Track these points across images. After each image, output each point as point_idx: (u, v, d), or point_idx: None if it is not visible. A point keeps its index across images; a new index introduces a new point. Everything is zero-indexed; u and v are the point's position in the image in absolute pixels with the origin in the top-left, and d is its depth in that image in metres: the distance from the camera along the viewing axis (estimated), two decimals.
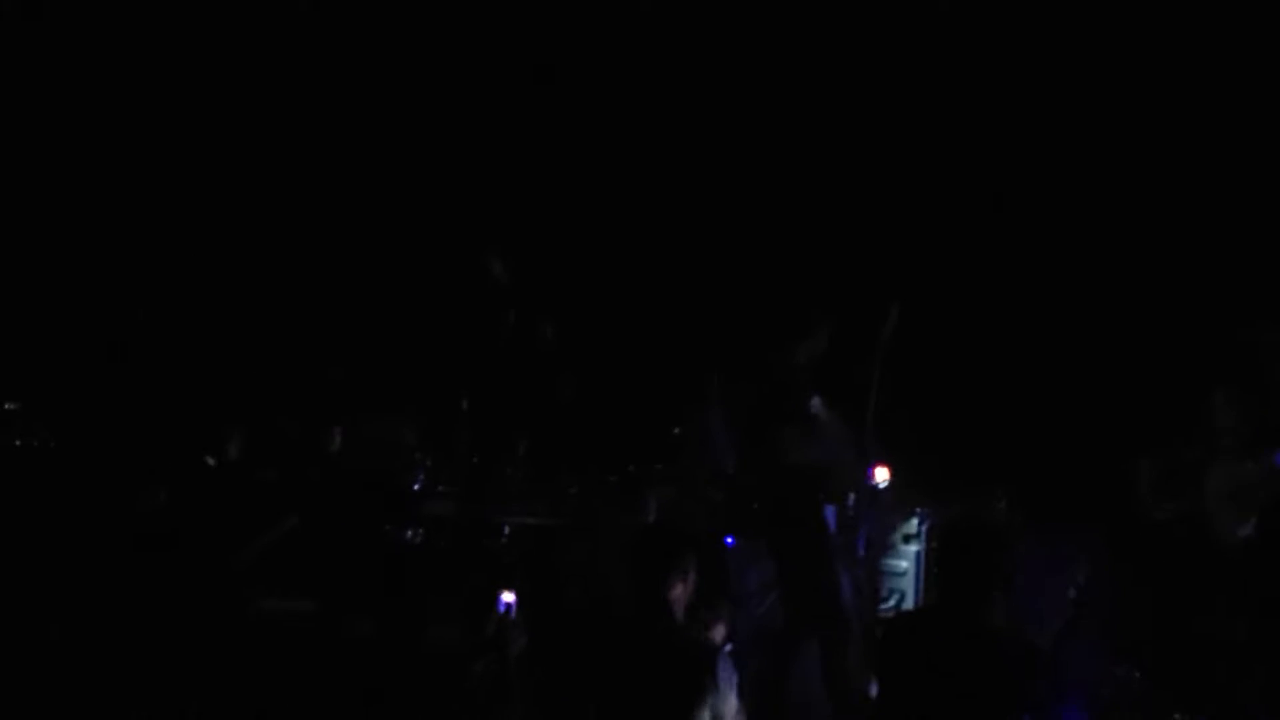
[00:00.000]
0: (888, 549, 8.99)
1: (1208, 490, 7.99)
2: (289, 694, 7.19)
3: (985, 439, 9.53)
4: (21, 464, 8.83)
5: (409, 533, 8.43)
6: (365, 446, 8.73)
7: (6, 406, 9.14)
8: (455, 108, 10.29)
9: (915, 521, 9.09)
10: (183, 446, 8.50)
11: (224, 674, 7.28)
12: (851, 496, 8.31)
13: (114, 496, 8.14)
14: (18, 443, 8.97)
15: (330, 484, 8.43)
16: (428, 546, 8.42)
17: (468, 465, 9.09)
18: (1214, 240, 9.23)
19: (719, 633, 7.15)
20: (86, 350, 9.58)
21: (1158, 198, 9.43)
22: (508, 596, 7.26)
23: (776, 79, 10.20)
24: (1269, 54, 9.16)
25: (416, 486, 8.89)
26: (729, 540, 8.96)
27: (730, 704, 5.92)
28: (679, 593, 5.96)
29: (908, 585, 9.04)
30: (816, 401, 8.14)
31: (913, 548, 9.10)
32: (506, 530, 8.75)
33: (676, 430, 9.32)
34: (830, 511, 8.21)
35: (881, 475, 8.60)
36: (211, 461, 8.18)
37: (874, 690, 6.34)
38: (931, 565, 8.88)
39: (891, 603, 8.99)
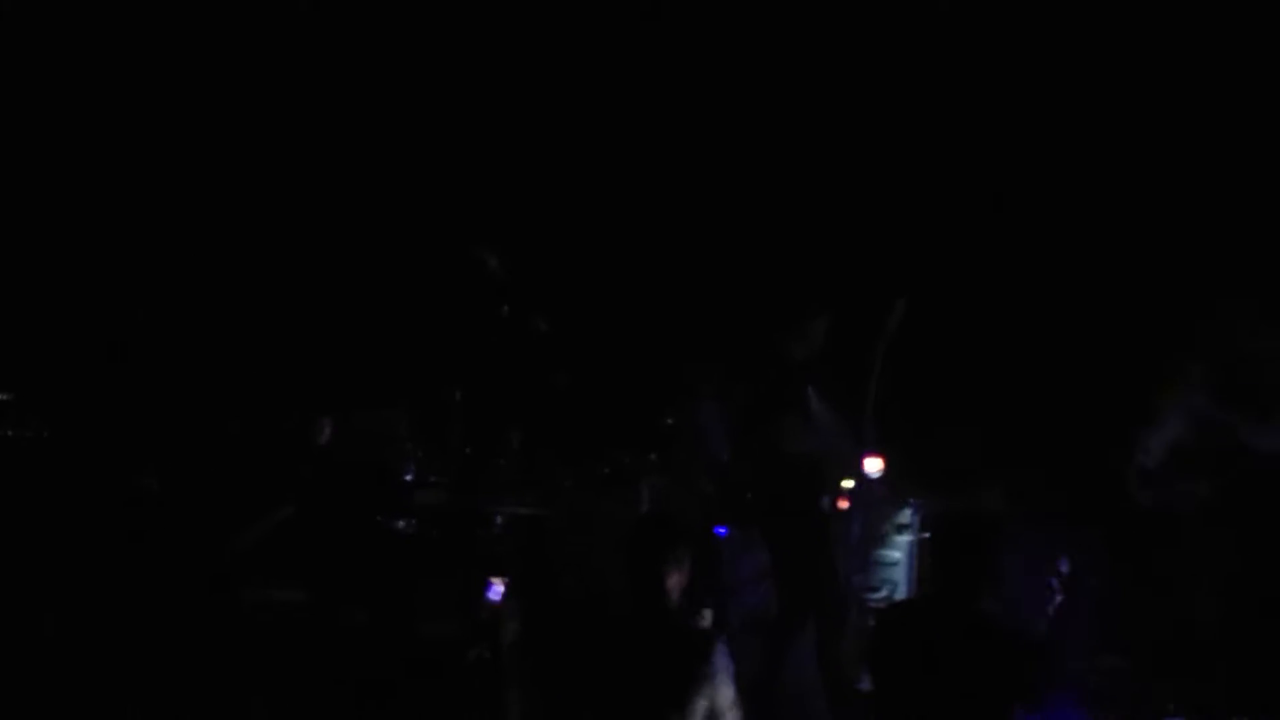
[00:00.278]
0: (881, 539, 9.01)
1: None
2: (282, 684, 7.20)
3: (980, 430, 9.56)
4: (14, 455, 8.81)
5: (401, 523, 8.44)
6: (358, 438, 8.73)
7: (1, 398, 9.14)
8: (449, 100, 10.28)
9: (908, 512, 9.11)
10: (175, 436, 8.51)
11: (217, 664, 7.29)
12: (847, 486, 8.33)
13: (107, 487, 8.14)
14: (10, 433, 8.96)
15: (323, 475, 8.43)
16: (420, 537, 8.43)
17: (460, 456, 9.10)
18: (1211, 235, 9.25)
19: (705, 621, 7.18)
20: (79, 340, 9.56)
21: (1155, 188, 9.44)
22: (499, 585, 7.29)
23: (774, 69, 10.20)
24: (1256, 51, 9.20)
25: (409, 477, 8.90)
26: (722, 530, 8.98)
27: (727, 694, 5.94)
28: (675, 582, 5.98)
29: (900, 576, 9.06)
30: (813, 392, 8.17)
31: (905, 538, 9.12)
32: (499, 521, 8.76)
33: (670, 420, 9.34)
34: (825, 501, 8.24)
35: (874, 465, 8.62)
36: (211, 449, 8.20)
37: (867, 680, 6.37)
38: (924, 556, 8.90)
39: (884, 593, 9.01)
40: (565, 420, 9.42)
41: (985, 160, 9.90)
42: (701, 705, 5.80)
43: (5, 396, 9.16)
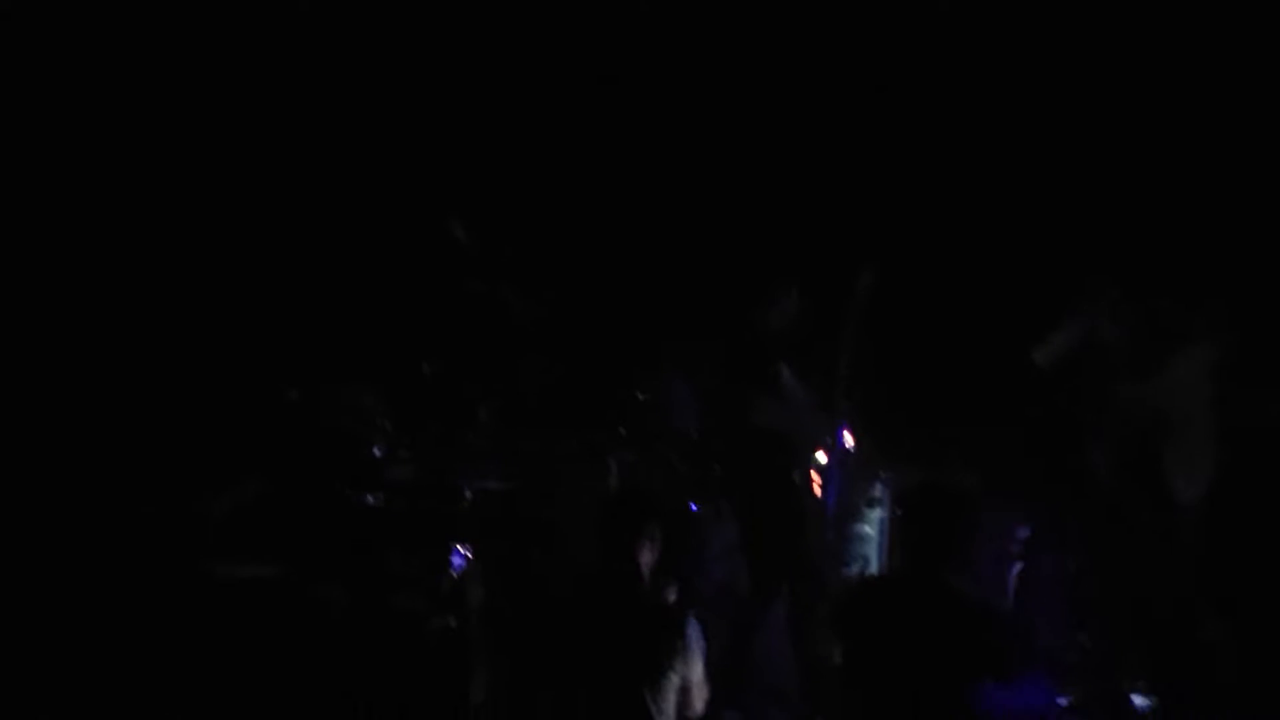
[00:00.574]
0: (853, 514, 9.02)
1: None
2: (252, 659, 7.18)
3: (951, 406, 9.58)
4: None
5: (370, 497, 8.42)
6: (326, 411, 8.70)
7: None
8: (417, 71, 10.23)
9: (879, 487, 9.12)
10: (143, 410, 8.47)
11: (186, 641, 7.27)
12: (819, 460, 8.33)
13: (74, 464, 8.11)
14: None
15: (291, 449, 8.41)
16: (390, 511, 8.41)
17: (430, 430, 9.08)
18: (1184, 209, 9.30)
19: (674, 596, 7.18)
20: (42, 308, 9.48)
21: (1122, 167, 9.47)
22: (464, 553, 7.29)
23: (739, 40, 10.18)
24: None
25: (378, 451, 8.87)
26: (691, 504, 8.99)
27: (697, 670, 5.97)
28: (647, 558, 6.00)
29: (872, 551, 9.08)
30: (784, 365, 8.16)
31: (876, 513, 9.14)
32: (468, 494, 8.75)
33: (640, 394, 9.33)
34: (796, 475, 8.24)
35: (846, 439, 8.62)
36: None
37: (838, 655, 6.39)
38: (895, 531, 8.91)
39: (856, 568, 9.03)
40: (534, 393, 9.40)
41: (957, 130, 9.91)
42: (673, 680, 5.82)
43: None
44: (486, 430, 9.15)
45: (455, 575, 7.81)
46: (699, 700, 6.05)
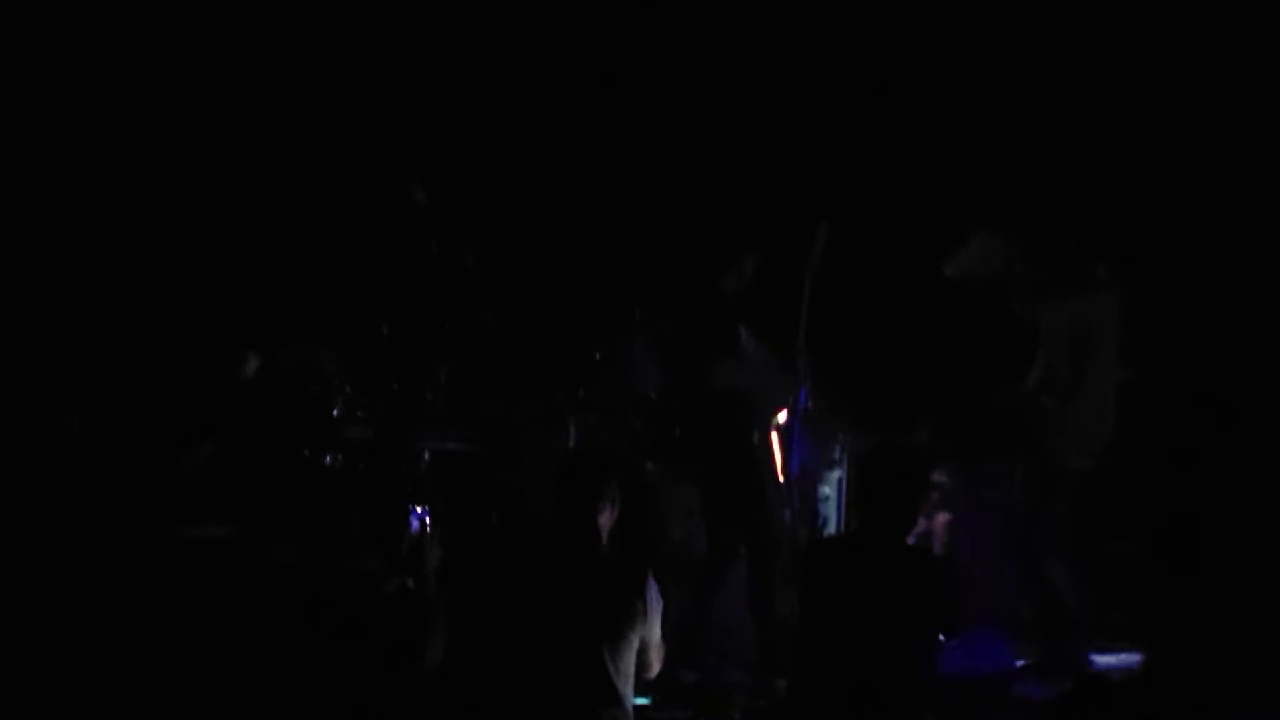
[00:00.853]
0: (814, 475, 9.03)
1: None
2: (208, 621, 7.15)
3: (910, 367, 9.60)
4: None
5: (328, 458, 8.40)
6: (284, 372, 8.66)
7: None
8: (377, 35, 10.18)
9: (838, 448, 9.13)
10: (97, 371, 8.42)
11: (141, 603, 7.23)
12: (779, 420, 8.32)
13: (29, 424, 8.05)
14: None
15: (249, 410, 8.37)
16: (347, 472, 8.39)
17: (388, 391, 9.06)
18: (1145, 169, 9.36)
19: (628, 557, 7.18)
20: None
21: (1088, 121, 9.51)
22: (420, 513, 7.28)
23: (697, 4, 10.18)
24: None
25: (336, 412, 8.84)
26: (650, 466, 8.99)
27: (655, 631, 5.97)
28: (606, 518, 5.99)
29: (831, 510, 9.10)
30: (742, 326, 8.15)
31: (835, 473, 9.15)
32: (426, 456, 8.73)
33: (598, 355, 9.32)
34: (756, 436, 8.22)
35: (805, 400, 8.60)
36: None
37: (795, 614, 6.40)
38: (852, 490, 8.93)
39: (815, 528, 9.03)
40: (493, 355, 9.37)
41: (914, 83, 9.92)
42: (631, 641, 5.82)
43: None
44: (445, 392, 9.13)
45: (413, 536, 7.80)
46: (657, 661, 6.07)
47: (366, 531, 7.87)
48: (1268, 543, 7.40)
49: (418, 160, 9.48)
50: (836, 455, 9.10)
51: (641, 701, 6.47)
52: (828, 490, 9.14)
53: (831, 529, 9.04)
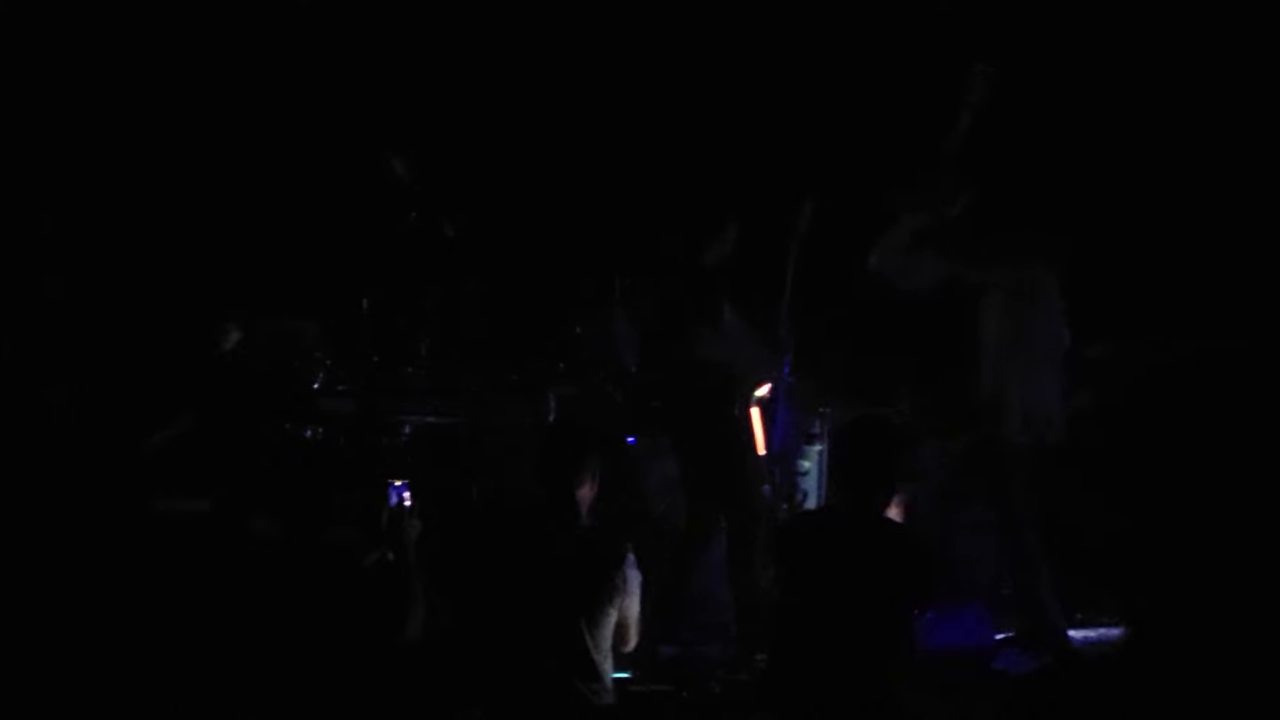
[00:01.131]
0: (795, 449, 9.01)
1: None
2: (186, 594, 7.13)
3: (889, 342, 9.58)
4: None
5: (309, 431, 8.38)
6: (265, 345, 8.65)
7: None
8: (357, 8, 10.15)
9: (818, 422, 9.11)
10: (81, 345, 8.40)
11: (123, 576, 7.21)
12: (760, 394, 8.31)
13: (14, 397, 8.03)
14: None
15: (229, 382, 8.35)
16: (328, 445, 8.38)
17: (368, 364, 9.05)
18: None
19: (608, 530, 7.18)
20: None
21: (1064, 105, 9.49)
22: (399, 486, 7.26)
23: None
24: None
25: (316, 385, 8.83)
26: (629, 439, 8.98)
27: (634, 605, 5.97)
28: (586, 491, 5.98)
29: (811, 485, 9.08)
30: (724, 299, 8.12)
31: (815, 447, 9.13)
32: (407, 429, 8.72)
33: (578, 328, 9.30)
34: (736, 409, 8.21)
35: (787, 373, 8.59)
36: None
37: (774, 588, 6.40)
38: (831, 464, 8.91)
39: (794, 502, 9.02)
40: (473, 328, 9.37)
41: (898, 55, 9.89)
42: (610, 615, 5.82)
43: None
44: (426, 364, 9.13)
45: (393, 509, 7.79)
46: (636, 635, 6.06)
47: (346, 504, 7.85)
48: (1252, 516, 7.41)
49: (398, 132, 9.47)
50: (817, 429, 9.07)
51: (622, 675, 6.47)
52: (808, 464, 9.12)
53: (811, 503, 9.02)
